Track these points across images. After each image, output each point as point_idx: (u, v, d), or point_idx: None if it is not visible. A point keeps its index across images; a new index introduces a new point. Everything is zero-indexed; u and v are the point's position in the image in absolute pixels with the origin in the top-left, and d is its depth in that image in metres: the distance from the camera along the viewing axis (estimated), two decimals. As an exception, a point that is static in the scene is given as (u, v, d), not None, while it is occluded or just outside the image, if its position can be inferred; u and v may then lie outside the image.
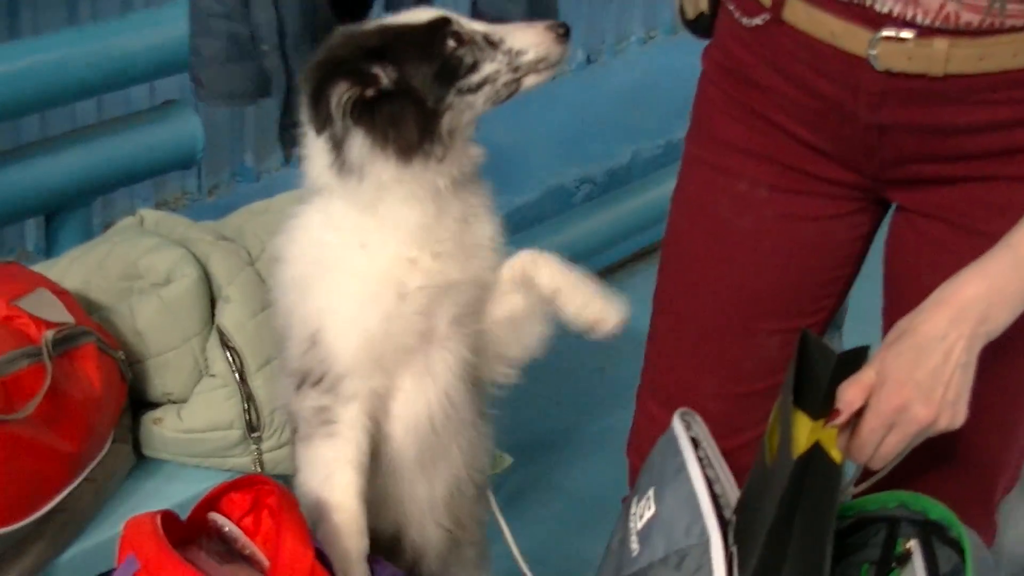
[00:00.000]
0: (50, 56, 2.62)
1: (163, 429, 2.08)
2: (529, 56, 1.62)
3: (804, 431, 1.52)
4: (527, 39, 1.62)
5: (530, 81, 1.64)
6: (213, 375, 2.07)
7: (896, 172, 1.67)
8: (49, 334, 1.85)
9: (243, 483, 1.53)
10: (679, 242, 1.86)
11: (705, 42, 1.82)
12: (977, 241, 1.56)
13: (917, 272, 1.69)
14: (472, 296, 1.70)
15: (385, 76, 1.58)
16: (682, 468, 1.54)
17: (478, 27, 1.63)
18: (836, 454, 1.52)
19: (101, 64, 2.69)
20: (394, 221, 1.63)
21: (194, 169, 3.75)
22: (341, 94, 1.57)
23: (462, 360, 1.71)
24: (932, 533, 1.55)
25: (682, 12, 1.84)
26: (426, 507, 1.77)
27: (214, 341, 2.06)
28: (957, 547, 1.52)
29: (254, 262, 2.14)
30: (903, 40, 1.54)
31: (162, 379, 2.09)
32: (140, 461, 2.09)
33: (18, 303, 1.89)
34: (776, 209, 1.74)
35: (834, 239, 1.77)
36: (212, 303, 2.09)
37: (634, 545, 1.55)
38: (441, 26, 1.61)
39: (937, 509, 1.56)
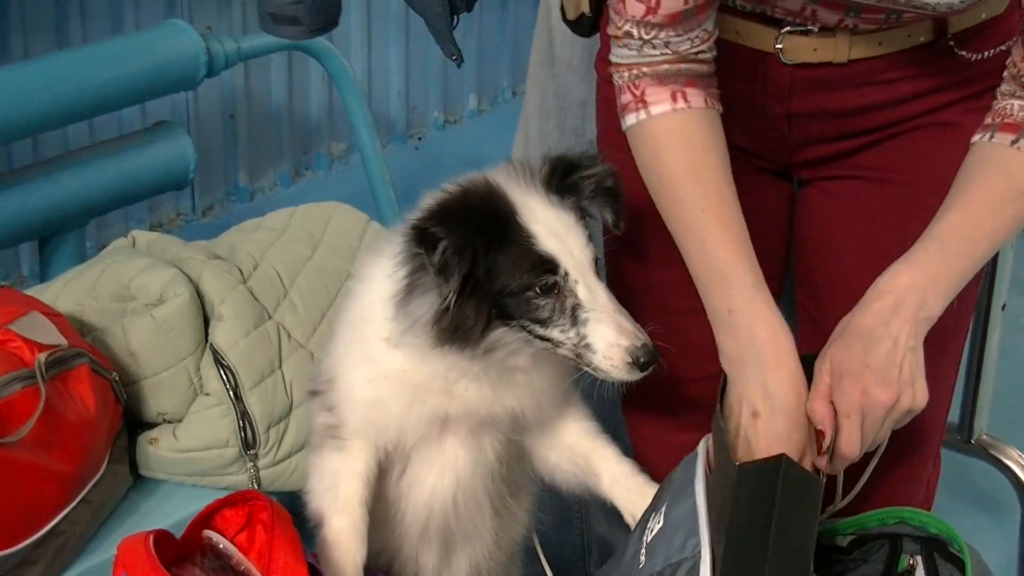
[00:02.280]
0: (41, 80, 2.62)
1: (159, 449, 2.08)
2: (595, 359, 1.55)
3: None
4: (604, 344, 1.54)
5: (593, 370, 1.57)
6: (207, 394, 2.07)
7: (804, 154, 1.75)
8: (42, 357, 1.86)
9: (237, 499, 1.53)
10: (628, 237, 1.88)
11: None
12: (883, 189, 1.68)
13: (829, 232, 1.77)
14: (490, 419, 1.68)
15: (483, 269, 1.52)
16: (691, 483, 1.54)
17: (583, 292, 1.53)
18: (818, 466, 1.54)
19: (92, 87, 2.69)
20: (412, 360, 1.62)
21: (188, 190, 3.77)
22: (449, 256, 1.50)
23: (480, 457, 1.71)
24: (934, 549, 1.56)
25: (563, 11, 1.87)
26: (440, 573, 1.79)
27: (208, 360, 2.07)
28: (958, 562, 1.53)
29: (246, 280, 2.14)
30: (807, 33, 1.62)
31: (157, 399, 2.09)
32: (137, 481, 2.09)
33: (11, 327, 1.90)
34: None
35: (773, 203, 1.82)
36: (205, 322, 2.10)
37: (642, 557, 1.55)
38: (547, 265, 1.53)
39: (936, 523, 1.57)
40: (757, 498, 1.44)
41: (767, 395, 1.54)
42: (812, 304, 1.82)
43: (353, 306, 1.70)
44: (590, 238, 1.57)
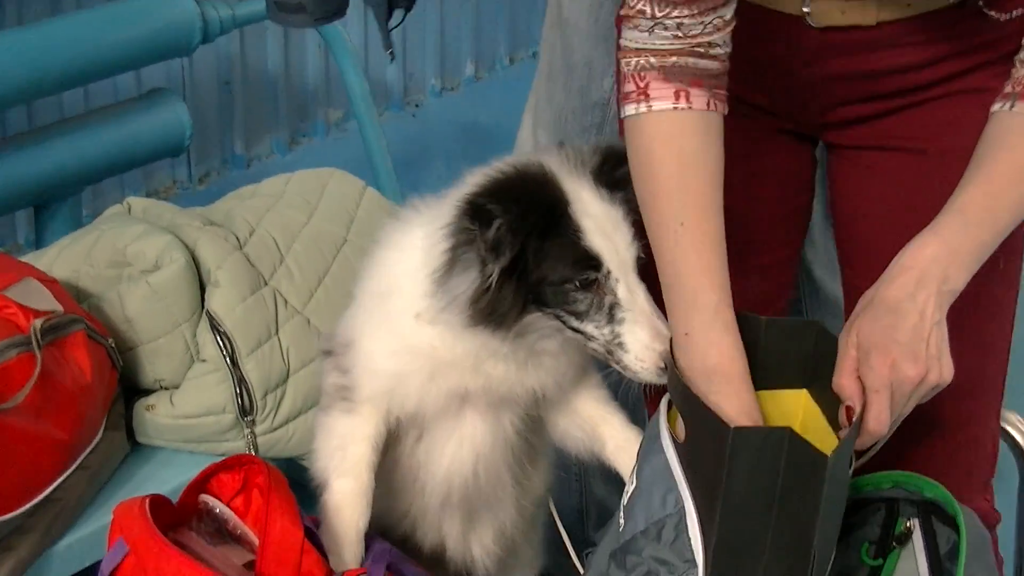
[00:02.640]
0: (35, 46, 2.60)
1: (156, 415, 2.07)
2: (626, 359, 1.56)
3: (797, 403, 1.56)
4: (639, 346, 1.55)
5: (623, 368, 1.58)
6: (204, 360, 2.06)
7: (832, 116, 1.72)
8: (38, 323, 1.85)
9: (232, 463, 1.53)
10: None
11: None
12: (912, 159, 1.65)
13: (860, 204, 1.75)
14: (511, 396, 1.68)
15: (530, 253, 1.52)
16: (656, 439, 1.53)
17: (623, 291, 1.55)
18: (829, 441, 1.52)
19: (87, 54, 2.68)
20: (444, 337, 1.61)
21: (184, 158, 3.76)
22: (503, 235, 1.50)
23: (499, 431, 1.71)
24: (931, 513, 1.56)
25: None
26: (466, 539, 1.79)
27: (204, 326, 2.06)
28: (955, 526, 1.53)
29: (242, 246, 2.13)
30: None
31: (153, 365, 2.09)
32: (134, 448, 2.09)
33: (6, 293, 1.88)
34: (738, 151, 1.75)
35: (790, 166, 1.81)
36: (201, 288, 2.09)
37: (621, 520, 1.54)
38: (591, 262, 1.54)
39: (932, 487, 1.57)
40: (758, 470, 1.42)
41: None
42: (851, 273, 1.81)
43: (379, 275, 1.68)
44: (635, 236, 1.57)
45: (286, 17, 2.41)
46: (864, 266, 1.74)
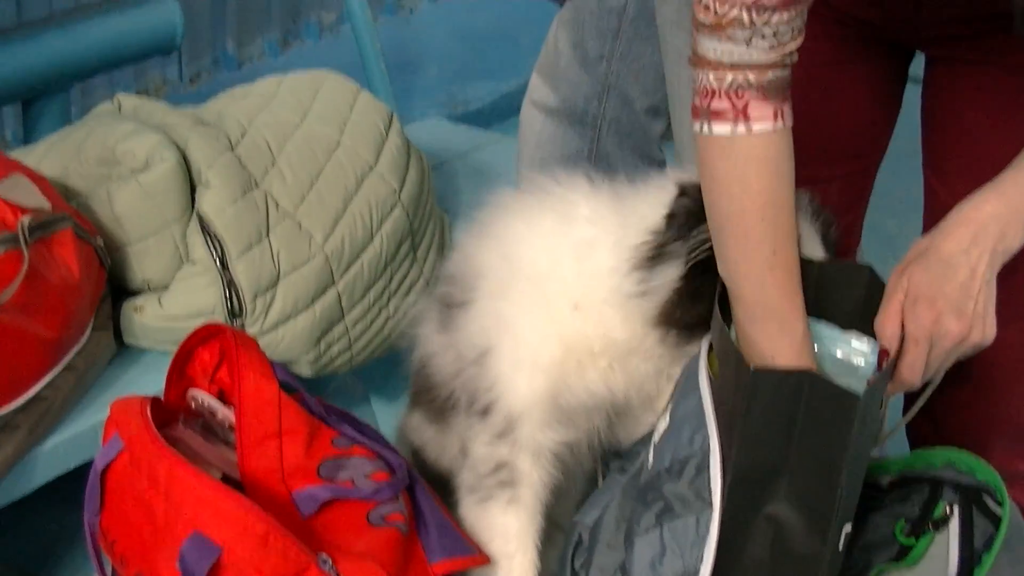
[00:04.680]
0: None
1: (144, 317, 2.05)
2: None
3: None
4: None
5: None
6: (193, 261, 2.04)
7: (932, 32, 1.70)
8: (25, 220, 1.82)
9: (205, 334, 1.51)
10: None
11: None
12: (1015, 76, 1.61)
13: (960, 114, 1.73)
14: (618, 402, 1.64)
15: None
16: (694, 378, 1.52)
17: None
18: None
19: (77, -53, 2.64)
20: (609, 327, 1.57)
21: (174, 57, 3.72)
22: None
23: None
24: (974, 502, 1.55)
25: None
26: None
27: (194, 227, 2.03)
28: (994, 519, 1.51)
29: (234, 147, 2.10)
30: None
31: (142, 266, 2.06)
32: (121, 350, 2.07)
33: (-7, 188, 1.86)
34: (823, 57, 1.74)
35: (877, 76, 1.80)
36: (192, 189, 2.06)
37: (650, 458, 1.54)
38: None
39: (984, 471, 1.55)
40: (775, 408, 1.41)
41: None
42: (939, 183, 1.79)
43: (526, 257, 1.61)
44: None
45: None
46: (955, 174, 1.73)
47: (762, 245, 1.48)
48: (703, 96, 1.48)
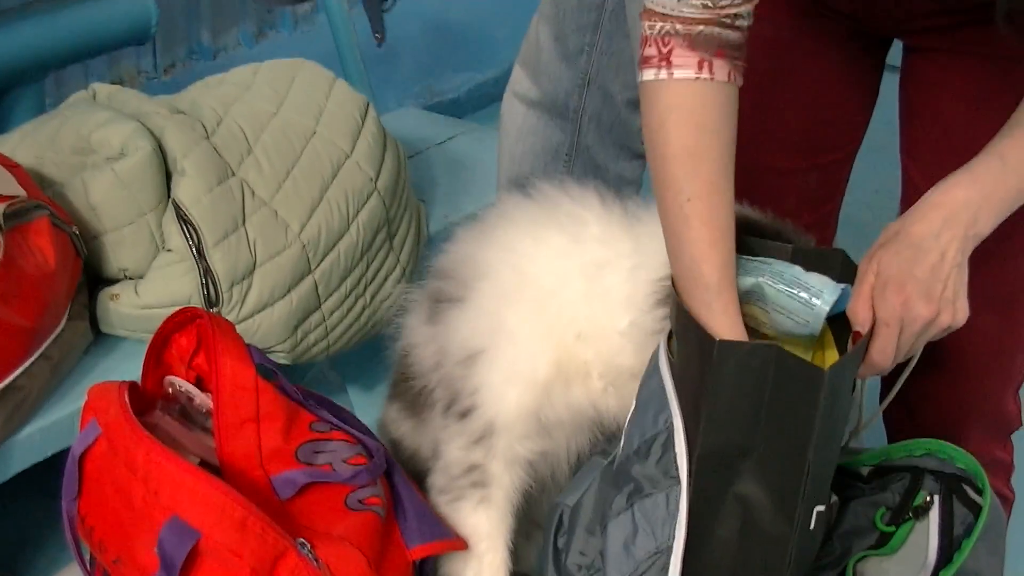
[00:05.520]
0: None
1: (120, 306, 2.05)
2: None
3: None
4: None
5: None
6: (170, 250, 2.04)
7: (909, 25, 1.71)
8: (0, 208, 1.82)
9: (182, 319, 1.50)
10: None
11: None
12: (993, 65, 1.62)
13: (937, 101, 1.74)
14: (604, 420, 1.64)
15: None
16: (655, 360, 1.52)
17: None
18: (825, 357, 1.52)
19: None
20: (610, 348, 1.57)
21: (149, 47, 3.70)
22: None
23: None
24: (954, 491, 1.55)
25: None
26: None
27: (170, 216, 2.03)
28: (974, 507, 1.52)
29: (210, 136, 2.10)
30: None
31: (118, 255, 2.06)
32: (97, 338, 2.07)
33: (-33, 176, 1.85)
34: (800, 48, 1.74)
35: (854, 66, 1.80)
36: (167, 177, 2.06)
37: (622, 443, 1.54)
38: None
39: (963, 458, 1.56)
40: (744, 383, 1.40)
41: None
42: (916, 171, 1.79)
43: (535, 267, 1.60)
44: None
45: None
46: (932, 160, 1.73)
47: (678, 195, 1.47)
48: (640, 45, 1.51)
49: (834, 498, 1.60)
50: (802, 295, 1.50)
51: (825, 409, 1.40)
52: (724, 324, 1.47)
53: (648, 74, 1.49)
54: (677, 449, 1.44)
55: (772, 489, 1.42)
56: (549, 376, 1.57)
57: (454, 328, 1.61)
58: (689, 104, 1.48)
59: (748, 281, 1.51)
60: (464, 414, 1.57)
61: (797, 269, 1.53)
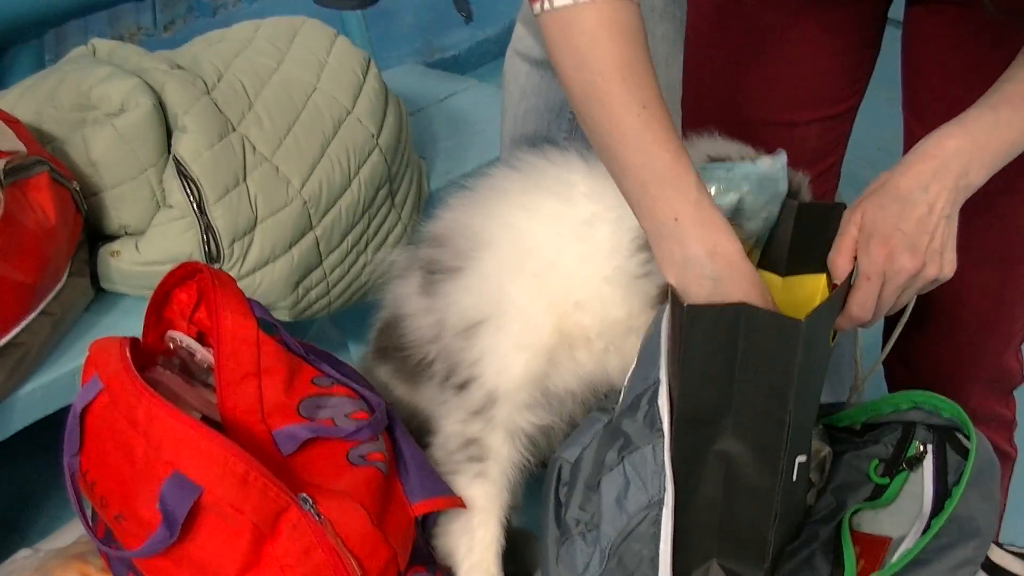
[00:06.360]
0: None
1: (121, 262, 2.05)
2: None
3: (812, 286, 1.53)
4: None
5: None
6: (170, 206, 2.03)
7: None
8: (0, 163, 1.81)
9: (183, 275, 1.49)
10: (704, 45, 1.85)
11: None
12: (993, 19, 1.57)
13: (941, 54, 1.72)
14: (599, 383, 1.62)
15: None
16: (660, 315, 1.52)
17: None
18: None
19: None
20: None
21: (148, 3, 3.69)
22: None
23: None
24: (947, 440, 1.54)
25: None
26: None
27: (171, 172, 2.03)
28: (967, 455, 1.50)
29: (210, 91, 2.09)
30: None
31: (118, 211, 2.06)
32: (98, 295, 2.07)
33: (-33, 132, 1.85)
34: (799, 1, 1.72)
35: (859, 19, 1.78)
36: (168, 133, 2.05)
37: (620, 400, 1.53)
38: None
39: (950, 408, 1.54)
40: (712, 346, 1.39)
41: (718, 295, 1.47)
42: (918, 124, 1.78)
43: (541, 230, 1.58)
44: None
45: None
46: (935, 114, 1.68)
47: (631, 105, 1.43)
48: None
49: (828, 450, 1.60)
50: (747, 162, 1.49)
51: (802, 359, 1.40)
52: (718, 221, 1.44)
53: (559, 0, 1.44)
54: (660, 402, 1.43)
55: (754, 444, 1.42)
56: (554, 341, 1.56)
57: (453, 300, 1.59)
58: (620, 19, 1.43)
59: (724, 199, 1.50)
60: (463, 386, 1.56)
61: (746, 162, 1.51)
